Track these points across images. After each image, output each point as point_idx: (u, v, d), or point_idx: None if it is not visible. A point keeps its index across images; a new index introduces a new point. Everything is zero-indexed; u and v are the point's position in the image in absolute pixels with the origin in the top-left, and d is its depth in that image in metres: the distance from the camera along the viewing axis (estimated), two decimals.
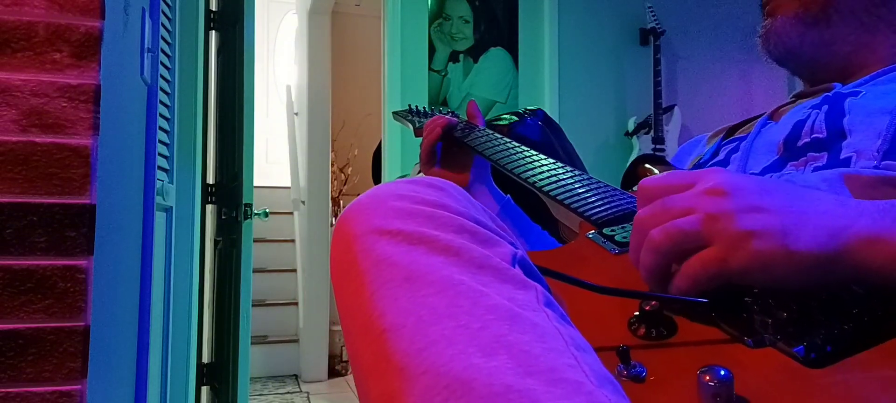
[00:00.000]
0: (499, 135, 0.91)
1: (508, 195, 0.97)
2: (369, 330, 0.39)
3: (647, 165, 0.83)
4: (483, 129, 0.94)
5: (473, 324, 0.36)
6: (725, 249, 0.42)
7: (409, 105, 1.17)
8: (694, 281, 0.43)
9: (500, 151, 0.85)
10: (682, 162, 0.92)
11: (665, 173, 0.50)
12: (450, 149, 0.97)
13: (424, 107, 1.15)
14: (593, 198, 0.66)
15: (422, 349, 0.35)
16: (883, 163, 0.59)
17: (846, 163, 0.62)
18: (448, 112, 1.10)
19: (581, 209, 0.65)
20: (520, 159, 0.81)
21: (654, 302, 0.44)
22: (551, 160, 0.79)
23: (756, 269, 0.41)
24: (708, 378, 0.36)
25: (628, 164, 0.87)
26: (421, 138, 1.04)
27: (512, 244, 0.44)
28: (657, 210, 0.47)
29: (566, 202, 0.67)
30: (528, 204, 0.98)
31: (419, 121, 1.09)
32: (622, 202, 0.65)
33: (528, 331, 0.36)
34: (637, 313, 0.45)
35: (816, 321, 0.40)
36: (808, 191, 0.46)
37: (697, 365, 0.38)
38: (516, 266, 0.42)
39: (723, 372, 0.36)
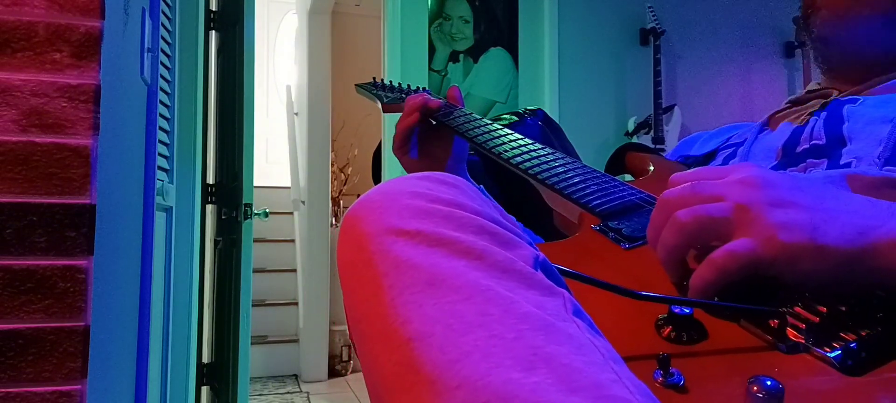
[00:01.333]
0: (483, 118, 0.85)
1: (480, 185, 0.92)
2: (392, 339, 0.36)
3: (638, 153, 0.82)
4: (466, 112, 0.88)
5: (507, 334, 0.33)
6: (755, 240, 0.42)
7: (374, 78, 1.08)
8: (722, 271, 0.42)
9: (488, 135, 0.80)
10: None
11: (697, 167, 0.49)
12: (427, 135, 0.91)
13: (390, 81, 1.06)
14: (591, 188, 0.64)
15: (454, 360, 0.33)
16: (884, 169, 0.59)
17: (846, 168, 0.62)
18: (423, 89, 1.02)
19: (581, 199, 0.63)
20: (509, 144, 0.77)
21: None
22: (540, 146, 0.76)
23: (783, 262, 0.41)
24: (756, 388, 0.34)
25: (613, 152, 0.86)
26: (390, 114, 0.98)
27: (531, 244, 0.43)
28: (686, 193, 0.46)
29: (565, 191, 0.65)
30: (499, 194, 0.95)
31: (386, 96, 1.01)
32: (623, 193, 0.63)
33: (564, 343, 0.33)
34: (664, 315, 0.43)
35: (848, 326, 0.39)
36: (840, 190, 0.46)
37: (733, 371, 0.37)
38: (538, 269, 0.40)
39: (770, 383, 0.34)
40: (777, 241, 0.41)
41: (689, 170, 0.50)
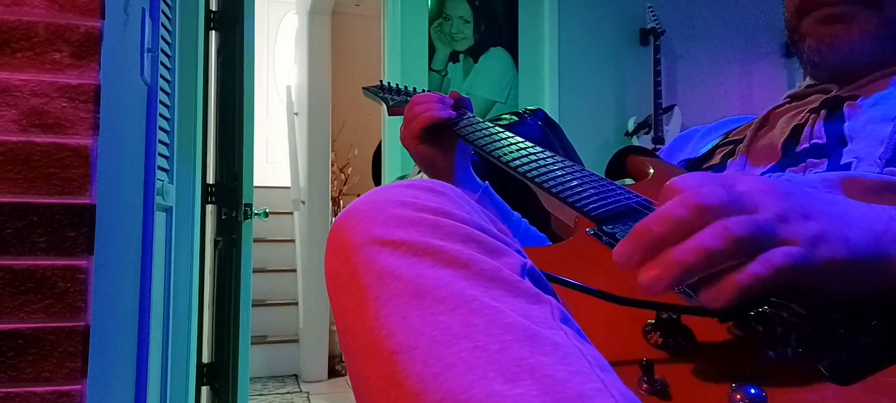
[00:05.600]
0: (484, 121, 0.87)
1: (486, 182, 0.94)
2: (376, 351, 0.36)
3: (638, 156, 0.82)
4: (473, 116, 0.89)
5: (491, 345, 0.33)
6: (803, 251, 0.39)
7: (381, 81, 1.09)
8: (778, 273, 0.38)
9: (488, 139, 0.81)
10: (674, 156, 0.91)
11: (696, 174, 0.46)
12: (437, 134, 0.91)
13: (397, 84, 1.08)
14: (588, 192, 0.64)
15: (437, 373, 0.32)
16: (885, 170, 0.58)
17: (846, 169, 0.60)
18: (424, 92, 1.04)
19: (576, 202, 0.63)
20: (507, 146, 0.77)
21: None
22: (540, 149, 0.76)
23: (829, 274, 0.39)
24: (739, 396, 0.34)
25: (612, 156, 0.86)
26: (396, 116, 0.99)
27: (519, 252, 0.42)
28: (725, 201, 0.40)
29: (561, 195, 0.65)
30: (505, 192, 0.96)
31: (392, 100, 1.02)
32: (619, 196, 0.63)
33: (549, 353, 0.33)
34: (652, 321, 0.42)
35: (839, 334, 0.38)
36: (840, 194, 0.45)
37: (720, 379, 0.36)
38: (526, 277, 0.40)
39: (754, 391, 0.34)
40: (819, 254, 0.38)
41: (688, 174, 0.49)
